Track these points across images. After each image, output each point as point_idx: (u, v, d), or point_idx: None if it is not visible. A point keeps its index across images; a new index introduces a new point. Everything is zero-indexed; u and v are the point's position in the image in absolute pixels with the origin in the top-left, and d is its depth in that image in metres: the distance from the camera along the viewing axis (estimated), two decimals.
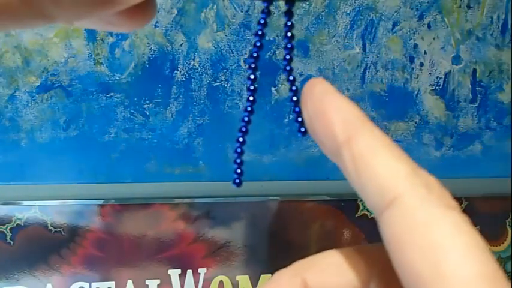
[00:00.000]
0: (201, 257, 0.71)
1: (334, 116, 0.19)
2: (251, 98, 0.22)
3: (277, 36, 0.69)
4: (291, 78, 0.22)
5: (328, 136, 0.19)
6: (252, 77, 0.22)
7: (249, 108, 0.22)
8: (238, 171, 0.22)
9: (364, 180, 0.17)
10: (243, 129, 0.22)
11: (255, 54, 0.21)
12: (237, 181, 0.21)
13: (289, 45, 0.21)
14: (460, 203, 0.78)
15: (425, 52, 0.74)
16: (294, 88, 0.22)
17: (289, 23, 0.21)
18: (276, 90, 0.71)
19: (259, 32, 0.22)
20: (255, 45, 0.22)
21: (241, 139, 0.22)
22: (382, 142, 0.18)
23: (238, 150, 0.22)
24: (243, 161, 0.22)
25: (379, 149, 0.18)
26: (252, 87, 0.22)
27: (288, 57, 0.22)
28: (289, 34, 0.21)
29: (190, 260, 0.71)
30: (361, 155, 0.18)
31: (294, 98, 0.22)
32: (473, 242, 0.15)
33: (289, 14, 0.21)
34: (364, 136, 0.18)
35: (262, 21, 0.21)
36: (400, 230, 0.16)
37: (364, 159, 0.17)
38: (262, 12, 0.21)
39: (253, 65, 0.22)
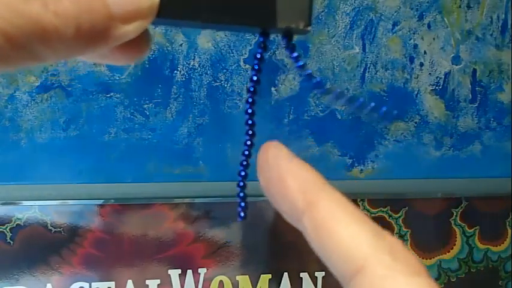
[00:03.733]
0: (201, 257, 0.71)
1: (292, 183, 0.18)
2: (250, 132, 0.22)
3: (277, 36, 0.69)
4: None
5: (287, 204, 0.18)
6: (250, 111, 0.22)
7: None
8: (242, 204, 0.22)
9: (328, 249, 0.17)
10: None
11: (252, 89, 0.21)
12: (242, 214, 0.22)
13: (308, 71, 0.21)
14: (460, 203, 0.78)
15: (425, 52, 0.74)
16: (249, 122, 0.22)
17: (295, 54, 0.21)
18: (276, 90, 0.71)
19: (256, 67, 0.21)
20: (251, 80, 0.21)
21: (243, 172, 0.22)
22: (343, 206, 0.18)
23: (241, 184, 0.22)
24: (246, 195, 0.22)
25: (339, 214, 0.17)
26: (250, 122, 0.21)
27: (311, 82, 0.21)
28: (300, 63, 0.21)
29: (190, 260, 0.71)
30: (323, 223, 0.17)
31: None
32: None
33: (291, 47, 0.21)
34: (324, 202, 0.18)
35: (258, 56, 0.21)
36: None
37: (326, 226, 0.17)
38: (259, 46, 0.21)
39: (250, 99, 0.21)
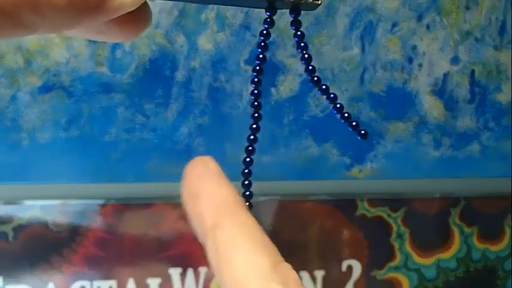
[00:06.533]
0: (202, 256, 0.71)
1: (205, 201, 0.18)
2: (256, 115, 0.21)
3: (277, 37, 0.69)
4: (310, 68, 0.21)
5: (198, 221, 0.18)
6: (256, 92, 0.21)
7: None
8: (246, 193, 0.21)
9: (224, 274, 0.17)
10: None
11: (258, 68, 0.21)
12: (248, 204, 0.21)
13: (305, 56, 0.20)
14: (459, 203, 0.79)
15: (424, 53, 0.74)
16: (310, 68, 0.21)
17: (298, 33, 0.20)
18: (275, 90, 0.71)
19: (262, 44, 0.21)
20: (257, 58, 0.21)
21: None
22: (247, 232, 0.17)
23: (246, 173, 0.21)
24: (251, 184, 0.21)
25: (242, 239, 0.17)
26: (256, 103, 0.21)
27: (307, 64, 0.21)
28: (302, 44, 0.20)
29: (191, 259, 0.71)
30: (222, 247, 0.17)
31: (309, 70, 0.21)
32: None
33: (296, 23, 0.20)
34: (228, 225, 0.17)
35: (265, 32, 0.20)
36: None
37: (225, 251, 0.17)
38: (265, 22, 0.20)
39: (256, 79, 0.21)
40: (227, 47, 0.69)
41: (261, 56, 0.21)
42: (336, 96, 0.21)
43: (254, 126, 0.21)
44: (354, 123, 0.20)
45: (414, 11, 0.73)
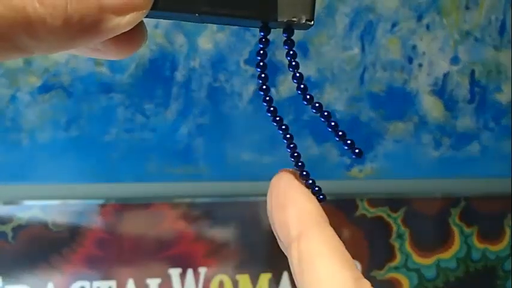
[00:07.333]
0: (201, 256, 0.71)
1: (292, 211, 0.19)
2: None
3: (277, 37, 0.69)
4: (302, 86, 0.21)
5: (282, 230, 0.19)
6: (272, 110, 0.21)
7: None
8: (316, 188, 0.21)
9: (305, 282, 0.17)
10: (295, 154, 0.21)
11: (264, 87, 0.21)
12: (321, 197, 0.21)
13: (297, 74, 0.21)
14: (459, 203, 0.79)
15: (423, 53, 0.74)
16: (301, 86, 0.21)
17: (291, 52, 0.20)
18: (275, 90, 0.71)
19: (261, 63, 0.21)
20: (259, 77, 0.21)
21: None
22: (331, 245, 0.18)
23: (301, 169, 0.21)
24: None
25: (326, 252, 0.17)
26: (278, 119, 0.21)
27: (299, 83, 0.21)
28: (293, 63, 0.21)
29: (190, 259, 0.71)
30: (307, 256, 0.18)
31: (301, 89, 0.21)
32: None
33: (289, 43, 0.20)
34: (314, 236, 0.18)
35: (261, 52, 0.21)
36: None
37: (309, 261, 0.17)
38: (260, 41, 0.20)
39: (268, 98, 0.21)
40: (227, 47, 0.69)
41: (262, 75, 0.21)
42: (329, 114, 0.21)
43: (290, 142, 0.22)
44: (349, 142, 0.21)
45: (414, 11, 0.73)
